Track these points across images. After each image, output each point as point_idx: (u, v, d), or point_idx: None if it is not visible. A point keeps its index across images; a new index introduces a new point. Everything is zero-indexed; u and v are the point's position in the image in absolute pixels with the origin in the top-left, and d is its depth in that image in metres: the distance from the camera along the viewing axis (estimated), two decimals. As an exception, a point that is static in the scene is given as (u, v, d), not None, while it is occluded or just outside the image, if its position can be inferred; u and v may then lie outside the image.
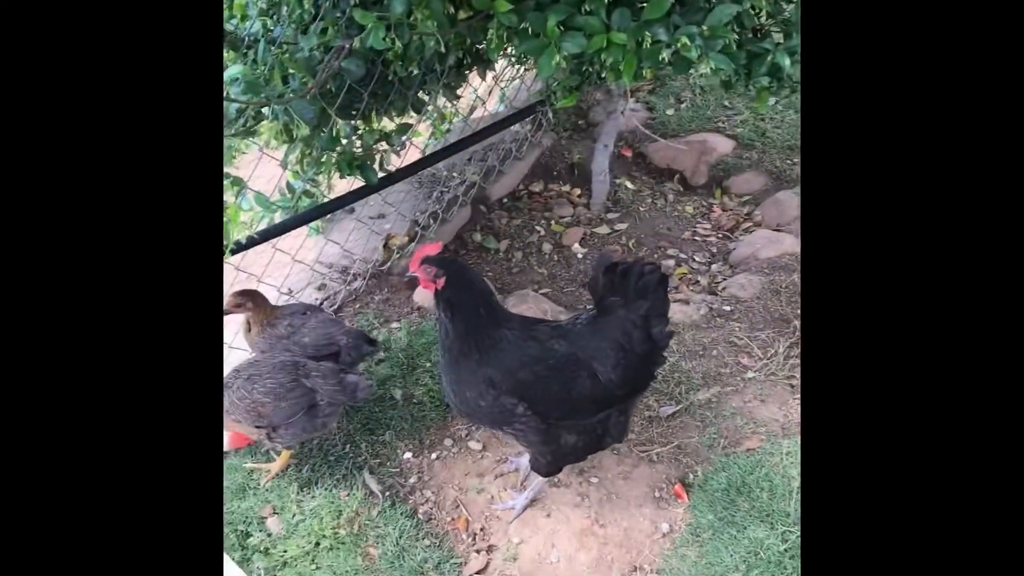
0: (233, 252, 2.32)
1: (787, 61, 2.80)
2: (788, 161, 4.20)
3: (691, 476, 2.68)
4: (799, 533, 2.39)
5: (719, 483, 2.60)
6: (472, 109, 4.29)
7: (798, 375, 3.00)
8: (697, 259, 3.82)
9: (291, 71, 2.29)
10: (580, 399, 2.33)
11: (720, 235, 3.96)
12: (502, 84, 4.06)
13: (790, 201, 3.93)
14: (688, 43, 2.49)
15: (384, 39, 2.18)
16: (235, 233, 2.16)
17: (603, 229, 3.99)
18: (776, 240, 3.69)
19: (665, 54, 2.53)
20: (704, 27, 2.55)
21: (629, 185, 4.26)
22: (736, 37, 2.67)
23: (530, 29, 2.49)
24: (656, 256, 3.85)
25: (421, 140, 4.00)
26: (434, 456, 2.75)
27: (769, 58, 2.82)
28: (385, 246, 3.61)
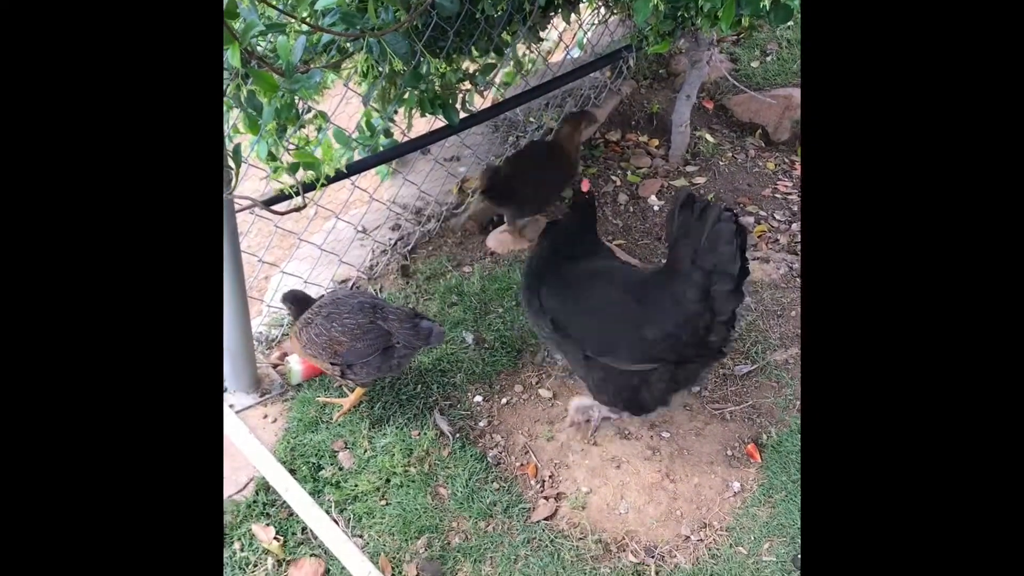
0: (323, 185, 2.31)
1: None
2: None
3: (764, 437, 2.63)
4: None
5: (794, 445, 2.56)
6: (549, 53, 4.21)
7: (879, 341, 2.92)
8: (777, 217, 3.71)
9: (384, 3, 2.25)
10: (616, 340, 2.36)
11: (801, 193, 3.84)
12: (585, 29, 3.96)
13: (878, 162, 3.78)
14: (791, -11, 2.38)
15: (480, -26, 2.12)
16: (326, 168, 2.15)
17: (681, 182, 3.90)
18: (861, 201, 3.56)
19: (766, 2, 2.44)
20: (808, -27, 2.44)
21: (709, 138, 4.15)
22: (841, -15, 2.55)
23: (628, -31, 2.41)
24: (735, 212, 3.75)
25: (495, 85, 3.94)
26: (504, 401, 2.75)
27: (875, 9, 2.69)
28: (460, 189, 3.58)
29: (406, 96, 2.76)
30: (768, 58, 4.52)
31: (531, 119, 3.97)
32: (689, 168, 3.98)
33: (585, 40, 4.15)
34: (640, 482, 2.50)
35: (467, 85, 3.01)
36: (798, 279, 3.22)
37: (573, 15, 3.39)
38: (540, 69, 3.79)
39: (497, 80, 3.86)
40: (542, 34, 3.47)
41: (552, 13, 3.26)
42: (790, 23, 2.62)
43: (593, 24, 4.03)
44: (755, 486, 2.50)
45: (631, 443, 2.61)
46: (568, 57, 4.13)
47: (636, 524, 2.41)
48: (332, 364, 2.51)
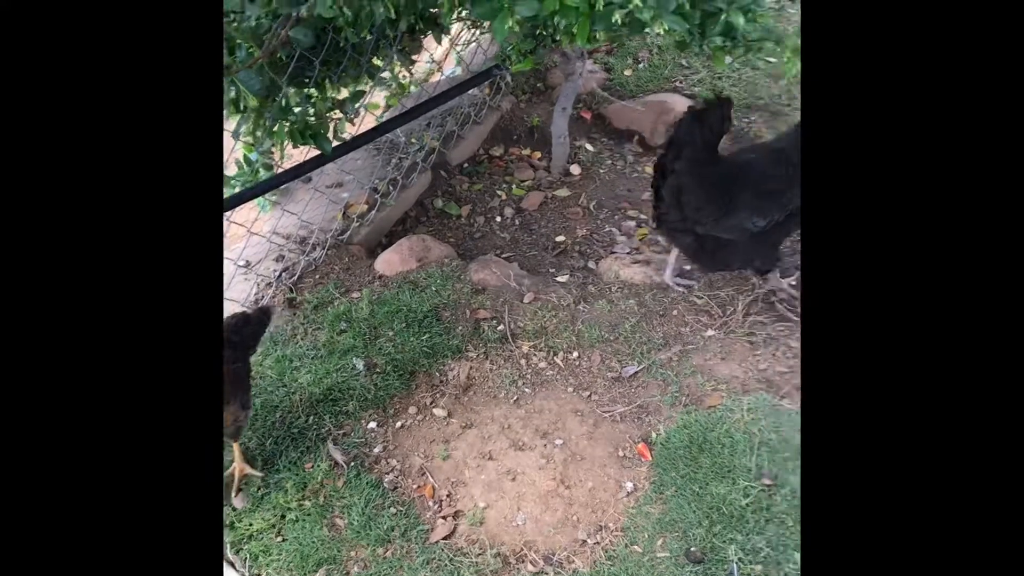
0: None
1: (741, 20, 2.78)
2: (745, 120, 4.21)
3: (654, 435, 2.71)
4: (760, 488, 2.44)
5: (681, 440, 2.64)
6: (430, 74, 4.25)
7: (757, 332, 3.05)
8: (657, 220, 3.83)
9: (238, 41, 2.24)
10: None
11: (680, 195, 3.96)
12: (458, 48, 4.01)
13: (748, 159, 3.94)
14: (640, 4, 2.47)
15: (332, 6, 2.14)
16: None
17: (563, 192, 3.99)
18: (735, 199, 3.71)
19: (618, 16, 2.52)
20: (657, -13, 2.53)
21: (589, 147, 4.25)
22: (689, -3, 2.65)
23: (482, -8, 2.45)
24: (616, 218, 3.85)
25: (380, 107, 3.96)
26: (399, 424, 2.76)
27: (723, 17, 2.81)
28: (344, 215, 3.58)
29: (275, 129, 2.76)
30: (640, 65, 4.66)
31: (413, 140, 4.00)
32: (570, 178, 4.07)
33: (462, 59, 4.20)
34: (536, 492, 2.55)
35: (339, 113, 3.02)
36: (678, 278, 3.33)
37: (445, 36, 3.44)
38: (418, 91, 3.82)
39: (381, 103, 3.87)
40: (415, 56, 3.50)
41: (422, 35, 3.30)
42: (659, 32, 2.71)
43: (467, 43, 4.09)
44: (647, 484, 2.57)
45: (525, 454, 2.66)
46: (446, 76, 4.18)
47: (534, 534, 2.45)
48: (236, 404, 2.44)
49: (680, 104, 4.32)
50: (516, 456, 2.65)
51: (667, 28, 2.55)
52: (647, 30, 2.62)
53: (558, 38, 2.79)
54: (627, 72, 4.61)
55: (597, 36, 2.69)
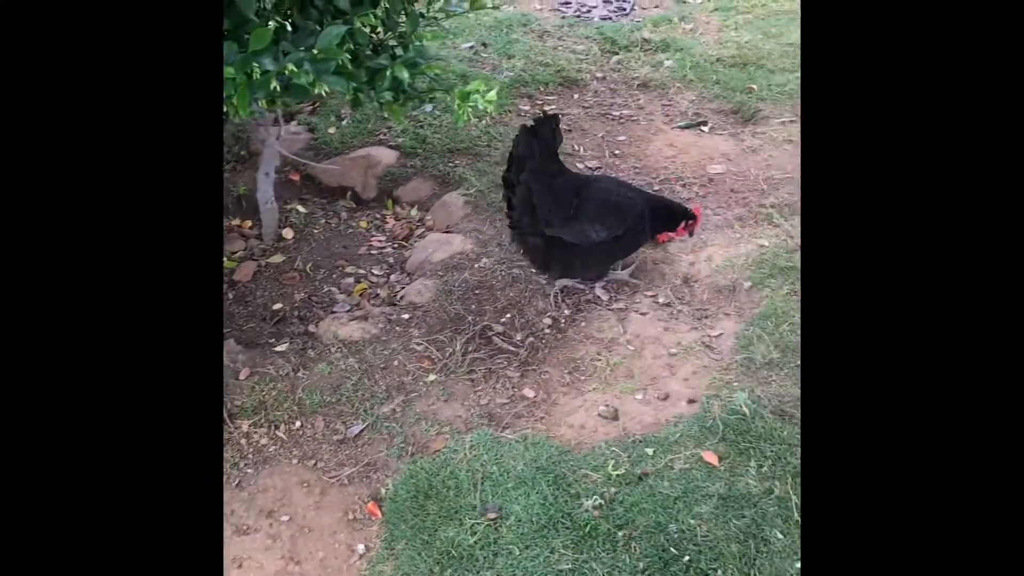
0: None
1: (406, 74, 2.88)
2: (450, 164, 4.35)
3: (383, 491, 2.70)
4: (486, 524, 2.49)
5: (409, 491, 2.65)
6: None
7: (476, 369, 3.13)
8: (376, 272, 3.85)
9: None
10: None
11: (395, 245, 4.02)
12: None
13: (456, 203, 4.07)
14: (296, 70, 2.49)
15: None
16: None
17: (278, 258, 3.91)
18: (447, 242, 3.81)
19: (276, 83, 2.52)
20: (316, 50, 2.56)
21: (301, 209, 4.21)
22: (350, 57, 2.71)
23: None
24: (335, 276, 3.84)
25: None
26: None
27: (388, 72, 2.89)
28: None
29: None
30: (344, 122, 4.69)
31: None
32: (284, 243, 4.01)
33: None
34: (264, 575, 2.45)
35: None
36: (398, 328, 3.36)
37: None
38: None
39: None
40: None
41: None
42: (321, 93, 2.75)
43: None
44: (378, 543, 2.55)
45: (251, 537, 2.56)
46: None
47: (265, 620, 2.36)
48: None
49: (386, 156, 4.41)
50: (241, 541, 2.54)
51: (328, 90, 2.59)
52: (310, 94, 2.65)
53: (225, 109, 2.75)
54: (331, 130, 4.62)
55: (260, 104, 2.69)
